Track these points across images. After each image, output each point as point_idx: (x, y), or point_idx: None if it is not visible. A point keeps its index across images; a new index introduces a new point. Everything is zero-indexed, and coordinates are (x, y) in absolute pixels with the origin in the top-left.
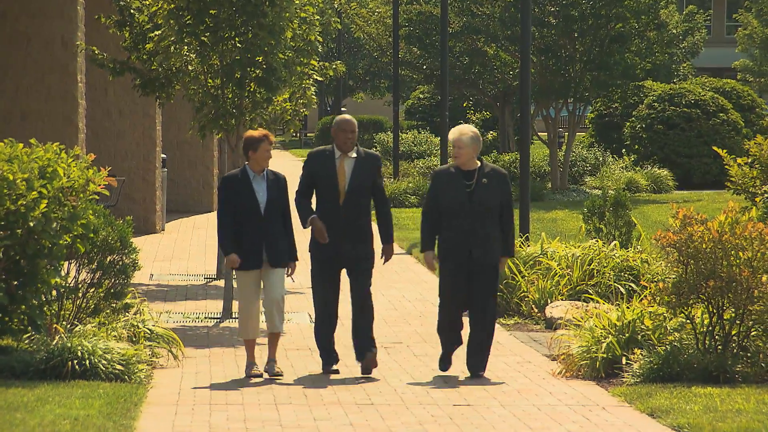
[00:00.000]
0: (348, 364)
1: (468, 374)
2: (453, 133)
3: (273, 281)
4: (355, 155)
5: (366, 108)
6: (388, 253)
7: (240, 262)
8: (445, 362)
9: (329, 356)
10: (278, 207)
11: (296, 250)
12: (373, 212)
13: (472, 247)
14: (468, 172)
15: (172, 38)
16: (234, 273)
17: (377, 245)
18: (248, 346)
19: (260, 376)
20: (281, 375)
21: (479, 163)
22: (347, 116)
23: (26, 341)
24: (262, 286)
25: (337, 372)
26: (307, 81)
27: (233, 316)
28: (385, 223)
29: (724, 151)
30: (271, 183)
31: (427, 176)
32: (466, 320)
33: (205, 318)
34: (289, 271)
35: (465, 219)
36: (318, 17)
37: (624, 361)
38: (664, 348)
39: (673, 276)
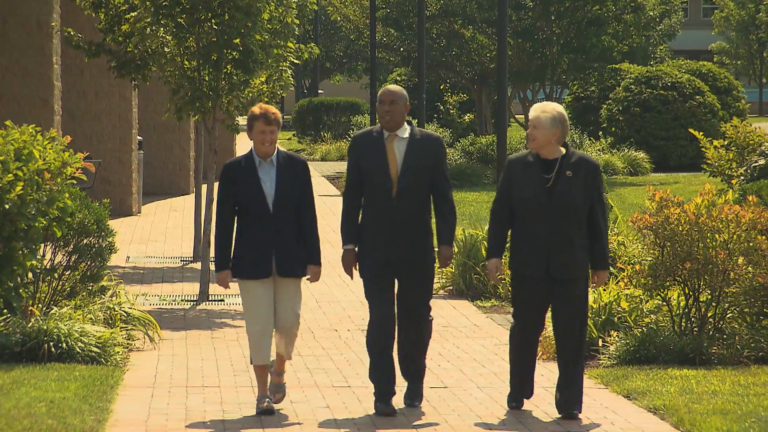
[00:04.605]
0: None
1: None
2: (534, 111)
3: (285, 300)
4: (407, 135)
5: (343, 90)
6: (444, 257)
7: (235, 272)
8: (515, 400)
9: (384, 392)
10: (293, 200)
11: (319, 252)
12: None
13: (550, 257)
14: (549, 162)
15: (148, 20)
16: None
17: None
18: (258, 374)
19: (272, 412)
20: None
21: (564, 151)
22: (392, 86)
23: (2, 324)
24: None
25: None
26: (284, 63)
27: (209, 298)
28: (447, 219)
29: (701, 133)
30: (283, 170)
31: None
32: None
33: (182, 300)
34: (311, 277)
35: (542, 220)
36: None
37: (600, 343)
38: (640, 330)
39: (650, 258)
